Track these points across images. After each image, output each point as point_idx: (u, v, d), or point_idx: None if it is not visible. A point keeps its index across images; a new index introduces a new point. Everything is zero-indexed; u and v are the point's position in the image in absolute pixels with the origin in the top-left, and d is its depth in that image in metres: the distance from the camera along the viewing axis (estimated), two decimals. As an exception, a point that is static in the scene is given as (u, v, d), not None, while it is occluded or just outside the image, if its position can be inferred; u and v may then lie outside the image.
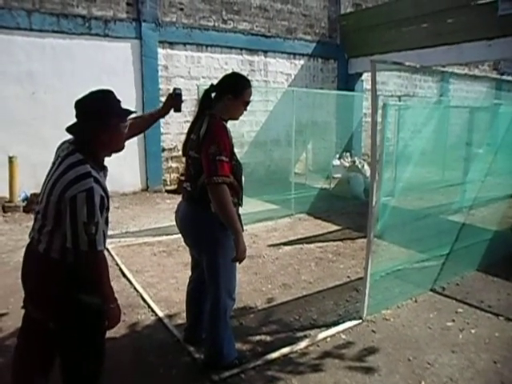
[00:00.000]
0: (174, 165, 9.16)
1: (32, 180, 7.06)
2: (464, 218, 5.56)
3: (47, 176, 1.94)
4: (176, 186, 8.85)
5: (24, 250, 2.06)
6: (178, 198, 2.88)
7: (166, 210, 7.15)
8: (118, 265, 4.71)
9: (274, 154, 10.42)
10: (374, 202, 3.34)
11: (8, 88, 7.12)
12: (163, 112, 2.64)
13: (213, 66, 9.27)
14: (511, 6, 7.82)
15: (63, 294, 1.90)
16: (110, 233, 5.78)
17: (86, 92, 1.97)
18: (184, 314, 3.26)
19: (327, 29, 11.19)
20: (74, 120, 2.00)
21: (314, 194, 7.70)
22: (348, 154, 11.17)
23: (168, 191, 8.86)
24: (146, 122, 2.64)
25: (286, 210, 6.99)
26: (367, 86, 12.43)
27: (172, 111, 2.62)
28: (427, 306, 3.81)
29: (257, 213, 6.88)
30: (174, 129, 8.99)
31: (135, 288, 4.10)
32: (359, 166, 10.36)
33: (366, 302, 3.53)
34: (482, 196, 6.05)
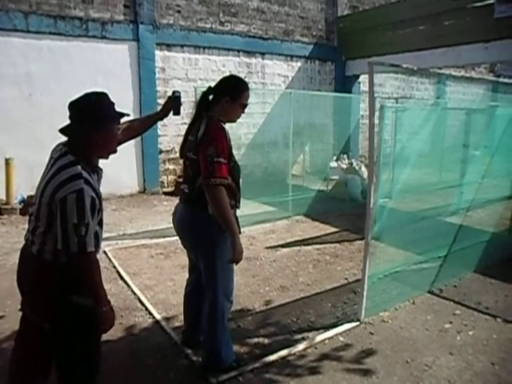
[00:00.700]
0: (172, 167, 9.15)
1: (29, 182, 7.04)
2: (461, 219, 5.56)
3: (41, 178, 1.94)
4: (173, 188, 8.83)
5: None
6: (176, 200, 2.87)
7: (163, 212, 7.13)
8: (115, 267, 4.69)
9: (271, 155, 10.43)
10: (371, 204, 3.34)
11: (5, 90, 7.10)
12: (162, 115, 2.62)
13: (210, 68, 9.27)
14: (507, 9, 7.86)
15: (57, 295, 1.91)
16: (107, 235, 5.81)
17: (80, 94, 1.98)
18: (181, 317, 3.25)
19: (324, 31, 11.21)
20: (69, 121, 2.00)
21: (311, 195, 7.69)
22: (345, 155, 11.18)
23: (165, 193, 8.84)
24: (144, 125, 2.63)
25: (283, 212, 6.98)
26: (364, 88, 12.45)
27: (171, 114, 2.61)
28: (425, 308, 3.81)
29: (254, 215, 6.87)
30: (172, 131, 8.98)
31: (132, 290, 4.08)
32: (356, 168, 10.37)
33: (363, 304, 3.52)
34: (479, 198, 6.06)
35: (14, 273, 2.08)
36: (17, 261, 2.07)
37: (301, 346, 3.14)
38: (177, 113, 2.60)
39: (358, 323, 3.51)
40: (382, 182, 5.87)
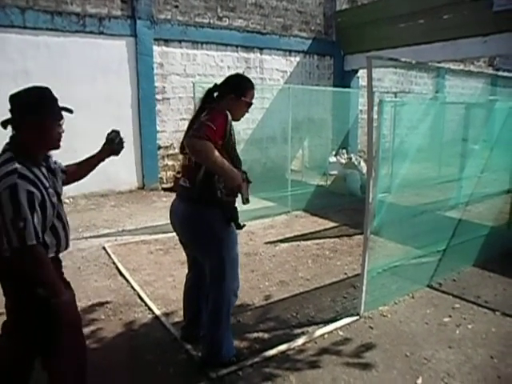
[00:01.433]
0: (170, 163, 9.13)
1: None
2: (460, 213, 5.57)
3: None
4: (172, 184, 8.82)
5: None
6: (175, 196, 2.86)
7: (162, 208, 7.12)
8: (114, 263, 4.70)
9: (270, 151, 10.41)
10: (370, 199, 3.34)
11: (2, 87, 7.05)
12: (102, 157, 2.53)
13: (208, 64, 9.23)
14: (506, 2, 7.83)
15: (20, 290, 1.95)
16: (106, 231, 5.82)
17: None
18: (181, 312, 3.26)
19: (323, 25, 11.16)
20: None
21: (310, 191, 7.70)
22: (344, 150, 11.17)
23: (164, 189, 8.83)
24: (84, 170, 2.54)
25: (282, 207, 6.98)
26: (363, 82, 12.42)
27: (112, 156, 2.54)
28: (424, 302, 3.82)
29: (253, 210, 6.82)
30: (170, 127, 8.96)
31: (132, 286, 4.08)
32: (355, 163, 10.35)
33: (363, 299, 3.53)
34: (479, 192, 6.06)
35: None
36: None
37: (300, 341, 3.14)
38: (117, 153, 2.54)
39: (357, 317, 3.51)
40: (381, 177, 5.89)
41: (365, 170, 10.22)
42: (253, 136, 10.09)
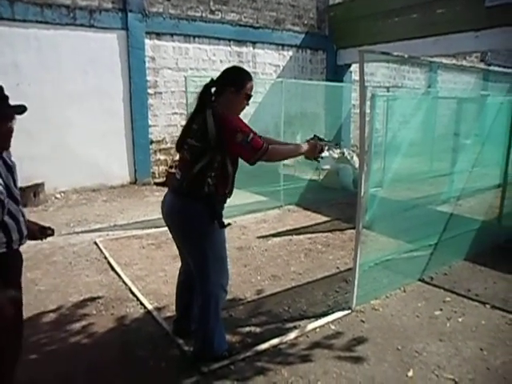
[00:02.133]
0: (163, 157, 9.09)
1: (18, 173, 6.98)
2: (452, 208, 5.59)
3: None
4: (165, 179, 8.78)
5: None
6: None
7: (154, 203, 7.09)
8: (106, 258, 4.67)
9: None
10: (362, 193, 3.34)
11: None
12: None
13: (201, 58, 9.17)
14: (498, -3, 7.86)
15: None
16: (98, 226, 5.78)
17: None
18: (173, 307, 3.25)
19: (316, 20, 11.13)
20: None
21: (303, 185, 7.70)
22: (337, 145, 11.17)
23: (157, 184, 8.79)
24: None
25: (275, 202, 6.98)
26: (356, 77, 12.42)
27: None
28: (415, 296, 3.84)
29: (246, 204, 6.85)
30: (162, 121, 8.91)
31: (124, 281, 4.07)
32: (348, 158, 10.37)
33: (355, 293, 3.54)
34: (470, 186, 6.10)
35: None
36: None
37: (292, 335, 3.15)
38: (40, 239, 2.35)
39: (349, 311, 3.53)
40: (373, 171, 5.89)
41: (357, 164, 10.25)
42: (245, 130, 10.07)
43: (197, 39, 9.08)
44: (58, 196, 7.65)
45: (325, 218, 6.37)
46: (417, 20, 9.40)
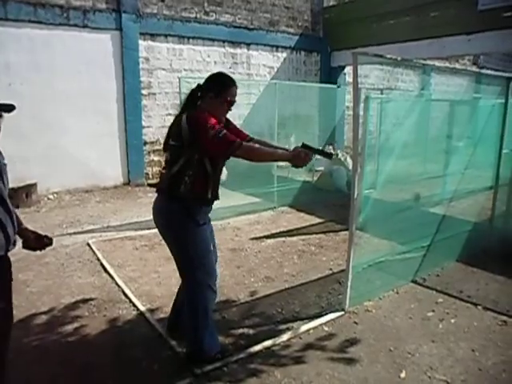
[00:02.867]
0: (156, 158, 9.07)
1: (9, 174, 6.91)
2: (444, 209, 5.62)
3: None
4: (158, 180, 8.74)
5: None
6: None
7: (147, 204, 6.97)
8: (98, 259, 4.65)
9: (256, 147, 10.38)
10: (355, 195, 3.35)
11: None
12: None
13: (195, 59, 9.17)
14: (491, 1, 7.92)
15: None
16: (90, 227, 5.75)
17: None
18: (166, 308, 3.29)
19: (310, 22, 11.16)
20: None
21: (296, 187, 7.71)
22: (331, 147, 11.19)
23: (150, 185, 8.75)
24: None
25: (268, 203, 6.98)
26: (350, 79, 12.47)
27: None
28: (408, 297, 3.85)
29: (239, 206, 6.86)
30: (156, 122, 8.89)
31: (116, 283, 4.05)
32: (342, 159, 10.40)
33: (348, 294, 3.55)
34: (462, 188, 6.12)
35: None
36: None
37: (285, 337, 3.15)
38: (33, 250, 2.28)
39: (342, 313, 3.53)
40: (367, 173, 5.92)
41: (351, 166, 10.28)
42: (239, 132, 10.07)
43: (191, 40, 9.07)
44: (51, 197, 7.61)
45: (318, 220, 6.38)
46: (410, 23, 9.45)
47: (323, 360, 2.90)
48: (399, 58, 3.47)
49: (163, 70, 8.83)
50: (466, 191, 6.35)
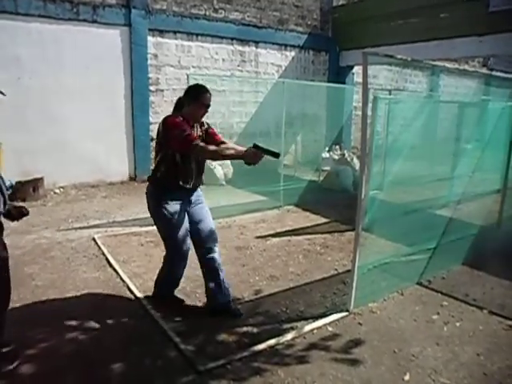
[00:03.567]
0: (163, 155, 9.05)
1: (16, 167, 6.96)
2: (451, 212, 5.59)
3: None
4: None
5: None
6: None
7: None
8: (104, 255, 4.66)
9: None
10: (363, 195, 3.34)
11: (-7, 73, 6.93)
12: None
13: (203, 56, 9.16)
14: (502, 3, 7.86)
15: None
16: (96, 222, 5.76)
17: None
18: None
19: (319, 21, 11.13)
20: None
21: (302, 186, 7.68)
22: (337, 146, 11.17)
23: (156, 181, 8.76)
24: None
25: (274, 202, 6.97)
26: (358, 79, 12.42)
27: None
28: (413, 299, 3.84)
29: (245, 204, 6.86)
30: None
31: (121, 278, 4.06)
32: (348, 159, 10.37)
33: (353, 295, 3.54)
34: (470, 191, 6.09)
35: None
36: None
37: (289, 336, 3.14)
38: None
39: (346, 313, 3.52)
40: (374, 174, 5.89)
41: (358, 166, 10.27)
42: (246, 130, 10.06)
43: (200, 37, 9.07)
44: (57, 191, 7.64)
45: (324, 220, 6.37)
46: (420, 23, 9.40)
47: (327, 360, 2.89)
48: (409, 59, 3.44)
49: (171, 66, 8.83)
50: (473, 194, 6.32)
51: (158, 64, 8.67)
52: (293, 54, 10.81)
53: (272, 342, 3.05)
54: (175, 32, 8.73)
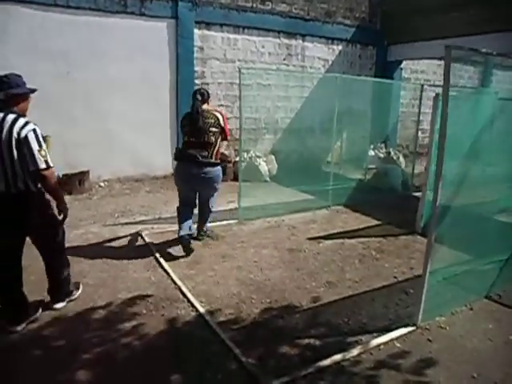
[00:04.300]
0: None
1: (63, 160, 6.94)
2: (516, 218, 5.19)
3: None
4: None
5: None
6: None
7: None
8: (153, 254, 4.54)
9: (308, 141, 10.04)
10: (437, 202, 3.06)
11: (41, 65, 6.91)
12: None
13: (249, 49, 8.95)
14: None
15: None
16: (142, 218, 5.66)
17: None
18: (227, 311, 3.14)
19: (367, 13, 10.70)
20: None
21: (350, 185, 7.38)
22: (383, 144, 10.77)
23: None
24: None
25: (322, 202, 6.69)
26: (406, 74, 11.95)
27: None
28: (484, 315, 3.53)
29: (292, 203, 6.65)
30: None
31: (173, 280, 3.92)
32: (394, 158, 9.99)
33: (421, 309, 3.27)
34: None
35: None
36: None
37: (355, 351, 2.92)
38: None
39: (414, 328, 3.26)
40: (432, 173, 5.51)
41: (404, 165, 9.89)
42: (291, 125, 9.80)
43: (246, 30, 8.85)
44: (102, 184, 7.63)
45: (375, 222, 6.07)
46: (478, 14, 8.86)
47: (399, 382, 2.65)
48: (495, 53, 3.13)
49: (217, 59, 8.66)
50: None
51: (203, 57, 8.52)
52: (340, 47, 10.44)
53: (338, 357, 2.84)
54: (221, 25, 8.55)
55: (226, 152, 8.69)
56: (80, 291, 3.55)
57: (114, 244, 4.82)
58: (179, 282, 3.84)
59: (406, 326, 3.29)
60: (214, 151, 4.43)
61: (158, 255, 4.46)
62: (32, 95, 3.11)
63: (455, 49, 2.82)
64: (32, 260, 3.43)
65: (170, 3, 7.92)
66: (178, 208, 4.75)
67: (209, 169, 4.38)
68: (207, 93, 4.61)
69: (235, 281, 3.96)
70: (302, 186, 7.20)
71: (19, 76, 3.01)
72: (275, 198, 6.78)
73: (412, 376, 2.73)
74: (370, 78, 9.20)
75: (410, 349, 3.01)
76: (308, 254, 4.72)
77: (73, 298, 3.45)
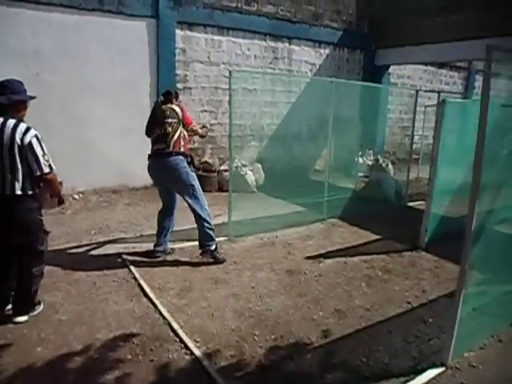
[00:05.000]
0: (188, 158, 8.40)
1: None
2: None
3: None
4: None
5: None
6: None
7: (183, 209, 6.31)
8: (135, 279, 4.00)
9: (295, 148, 9.57)
10: (472, 225, 2.64)
11: (11, 67, 6.28)
12: None
13: (234, 52, 8.47)
14: None
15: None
16: (122, 235, 5.09)
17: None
18: (226, 352, 2.64)
19: (355, 16, 10.37)
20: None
21: (344, 196, 6.96)
22: (371, 151, 10.46)
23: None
24: None
25: (317, 215, 6.23)
26: (393, 79, 11.69)
27: None
28: (515, 347, 3.14)
29: (284, 216, 6.20)
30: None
31: (160, 313, 3.39)
32: (383, 165, 9.66)
33: (452, 346, 2.85)
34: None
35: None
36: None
37: (384, 403, 2.46)
38: None
39: (443, 369, 2.84)
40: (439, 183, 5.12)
41: (392, 172, 9.58)
42: (277, 132, 9.34)
43: (231, 32, 8.37)
44: (77, 197, 7.01)
45: (375, 236, 5.67)
46: (467, 19, 8.64)
47: None
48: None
49: (200, 62, 8.14)
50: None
51: (186, 60, 7.99)
52: (327, 51, 10.07)
53: (364, 413, 2.38)
54: (205, 25, 8.05)
55: (210, 160, 8.19)
56: (42, 307, 3.35)
57: (91, 267, 4.24)
58: (168, 317, 3.31)
59: (433, 366, 2.87)
60: (172, 141, 4.31)
61: (142, 282, 3.92)
62: None
63: (497, 50, 2.42)
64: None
65: (150, 1, 7.39)
66: (158, 212, 4.80)
67: (166, 159, 4.30)
68: (175, 92, 4.60)
69: (232, 312, 3.46)
70: (293, 197, 6.76)
71: (20, 82, 3.10)
72: (265, 210, 6.29)
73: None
74: (366, 83, 8.78)
75: (445, 396, 2.58)
76: (309, 276, 4.25)
77: (33, 314, 3.24)
